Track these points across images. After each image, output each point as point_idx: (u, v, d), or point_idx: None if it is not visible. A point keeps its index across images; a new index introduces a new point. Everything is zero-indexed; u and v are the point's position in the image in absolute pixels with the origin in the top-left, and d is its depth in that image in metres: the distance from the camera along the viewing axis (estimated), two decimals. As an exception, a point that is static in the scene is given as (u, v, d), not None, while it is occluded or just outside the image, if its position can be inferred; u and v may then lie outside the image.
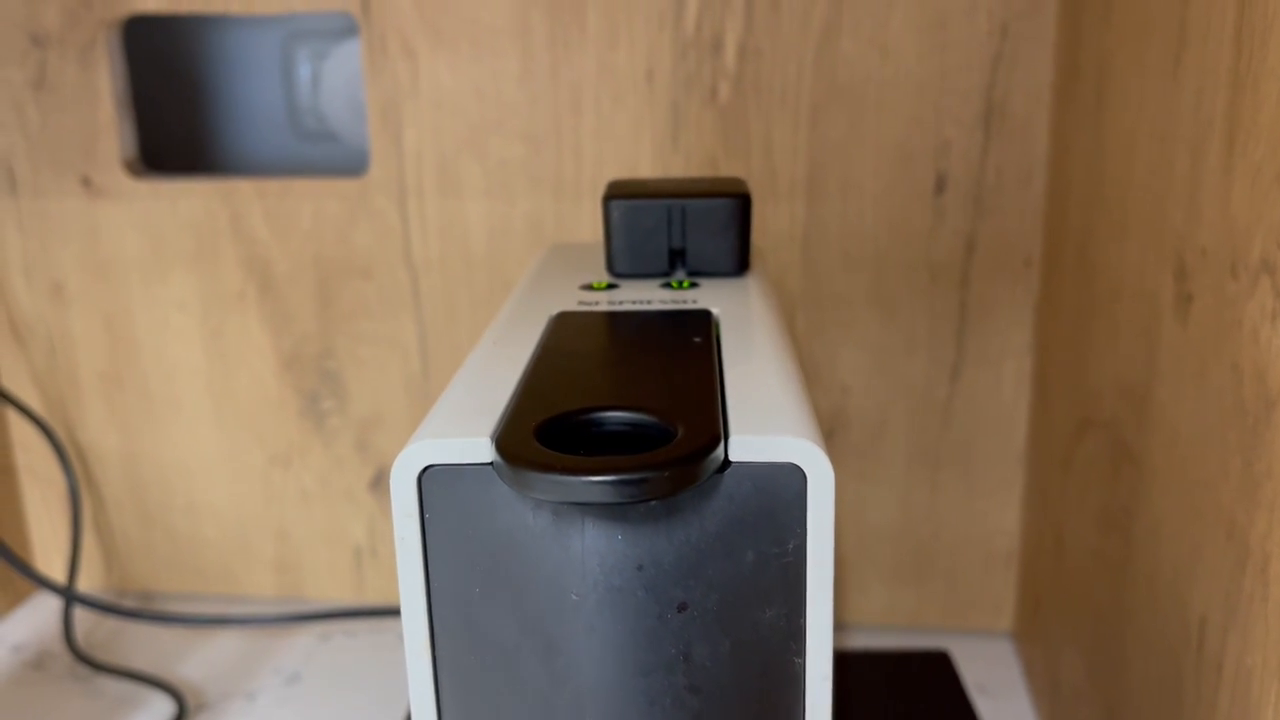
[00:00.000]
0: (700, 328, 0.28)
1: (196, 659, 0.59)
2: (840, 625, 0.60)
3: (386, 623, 0.62)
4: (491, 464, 0.22)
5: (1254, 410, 0.29)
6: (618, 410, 0.23)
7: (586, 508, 0.21)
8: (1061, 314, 0.50)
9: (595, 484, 0.19)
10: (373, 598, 0.63)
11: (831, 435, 0.57)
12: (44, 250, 0.60)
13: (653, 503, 0.21)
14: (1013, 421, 0.56)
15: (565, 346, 0.27)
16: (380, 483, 0.61)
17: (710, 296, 0.32)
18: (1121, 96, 0.41)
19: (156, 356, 0.61)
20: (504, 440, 0.21)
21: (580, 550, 0.21)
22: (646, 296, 0.32)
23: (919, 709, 0.46)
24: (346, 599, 0.64)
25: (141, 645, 0.60)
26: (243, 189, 0.57)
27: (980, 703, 0.53)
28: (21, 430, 0.63)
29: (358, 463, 0.61)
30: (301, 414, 0.61)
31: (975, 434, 0.56)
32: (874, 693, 0.47)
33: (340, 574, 0.63)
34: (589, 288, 0.33)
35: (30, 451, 0.64)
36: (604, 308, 0.30)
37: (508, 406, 0.23)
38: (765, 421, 0.22)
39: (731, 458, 0.21)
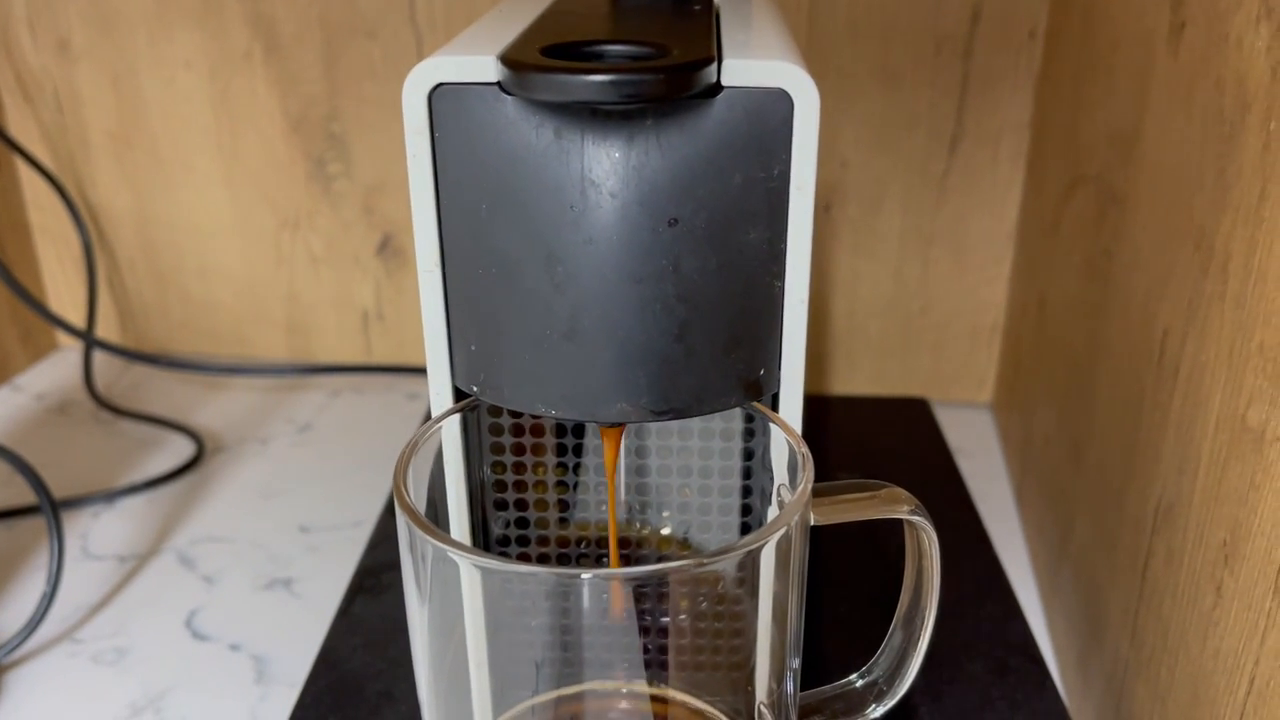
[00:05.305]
0: (702, 2, 0.29)
1: (212, 409, 0.62)
2: (826, 395, 0.62)
3: (393, 380, 0.65)
4: (499, 83, 0.23)
5: (1231, 118, 0.30)
6: (619, 43, 0.24)
7: (586, 125, 0.22)
8: (1061, 85, 0.50)
9: (594, 83, 0.21)
10: (380, 360, 0.66)
11: (829, 209, 0.58)
12: (48, 3, 0.59)
13: (648, 120, 0.22)
14: (1007, 197, 0.57)
15: (571, 9, 0.27)
16: (387, 247, 0.63)
17: (712, -6, 0.32)
18: None
19: (164, 116, 0.61)
20: (510, 53, 0.22)
21: (580, 166, 0.22)
22: (650, -8, 0.32)
23: (898, 444, 0.49)
24: (355, 361, 0.66)
25: (159, 397, 0.63)
26: (247, -59, 0.57)
27: (958, 462, 0.56)
28: (34, 187, 0.64)
29: (364, 227, 0.62)
30: (309, 177, 0.62)
31: (969, 209, 0.57)
32: (856, 430, 0.50)
33: (348, 337, 0.65)
34: (594, -14, 0.33)
35: (44, 211, 0.65)
36: (608, -5, 0.31)
37: (515, 38, 0.24)
38: (757, 52, 0.23)
39: (724, 82, 0.23)
